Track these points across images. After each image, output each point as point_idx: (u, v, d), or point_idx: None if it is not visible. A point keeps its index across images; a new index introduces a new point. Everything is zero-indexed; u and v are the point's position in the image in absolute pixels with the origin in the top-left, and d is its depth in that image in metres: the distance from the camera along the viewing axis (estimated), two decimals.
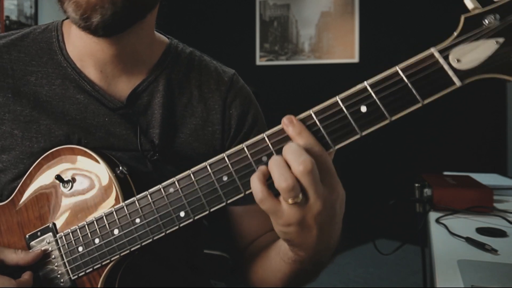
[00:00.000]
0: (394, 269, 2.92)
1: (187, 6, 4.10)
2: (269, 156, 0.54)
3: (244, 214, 0.82)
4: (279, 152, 0.53)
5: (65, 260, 0.67)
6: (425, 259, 1.61)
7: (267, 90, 3.43)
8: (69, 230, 0.66)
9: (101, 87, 0.75)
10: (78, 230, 0.66)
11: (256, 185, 0.52)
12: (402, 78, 0.51)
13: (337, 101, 0.53)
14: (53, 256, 0.68)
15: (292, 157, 0.50)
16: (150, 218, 0.61)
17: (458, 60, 0.49)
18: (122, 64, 0.75)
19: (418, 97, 0.50)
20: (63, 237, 0.67)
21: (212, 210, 0.58)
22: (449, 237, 1.06)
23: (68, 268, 0.67)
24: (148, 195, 0.61)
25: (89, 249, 0.65)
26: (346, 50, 3.71)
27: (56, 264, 0.68)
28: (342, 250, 3.14)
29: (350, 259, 3.07)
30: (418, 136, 3.42)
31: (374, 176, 3.54)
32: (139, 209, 0.61)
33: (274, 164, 0.51)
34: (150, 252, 0.68)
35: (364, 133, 0.52)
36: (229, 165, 0.56)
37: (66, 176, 0.68)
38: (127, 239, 0.62)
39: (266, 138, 0.55)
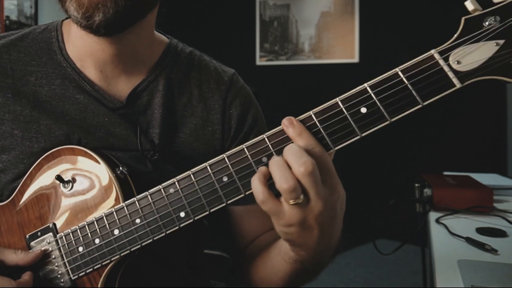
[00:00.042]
0: (394, 269, 2.92)
1: (187, 6, 4.10)
2: (269, 157, 0.54)
3: (244, 214, 0.82)
4: (279, 153, 0.53)
5: (65, 260, 0.67)
6: (425, 259, 1.61)
7: (267, 90, 3.43)
8: (69, 230, 0.66)
9: (101, 87, 0.75)
10: (78, 230, 0.66)
11: (257, 186, 0.52)
12: (402, 79, 0.51)
13: (337, 103, 0.53)
14: (53, 256, 0.68)
15: (293, 158, 0.50)
16: (150, 219, 0.61)
17: (458, 62, 0.49)
18: (122, 64, 0.76)
19: (418, 98, 0.50)
20: (63, 237, 0.67)
21: (212, 210, 0.58)
22: (449, 237, 1.06)
23: (68, 268, 0.67)
24: (148, 196, 0.61)
25: (89, 249, 0.65)
26: (346, 50, 3.71)
27: (56, 264, 0.68)
28: (342, 250, 3.14)
29: (350, 259, 3.07)
30: (418, 136, 3.42)
31: (374, 176, 3.54)
32: (139, 210, 0.62)
33: (275, 165, 0.51)
34: (150, 252, 0.68)
35: (364, 134, 0.52)
36: (229, 165, 0.56)
37: (67, 176, 0.68)
38: (127, 239, 0.63)
39: (266, 139, 0.55)
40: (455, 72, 0.49)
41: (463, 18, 0.50)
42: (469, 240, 1.01)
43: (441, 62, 0.50)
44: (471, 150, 3.28)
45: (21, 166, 0.72)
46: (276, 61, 3.99)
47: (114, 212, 0.63)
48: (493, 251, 0.94)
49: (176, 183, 0.59)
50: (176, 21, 4.09)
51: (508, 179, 1.81)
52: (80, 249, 0.66)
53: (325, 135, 0.53)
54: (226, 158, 0.56)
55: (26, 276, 0.66)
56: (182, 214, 0.59)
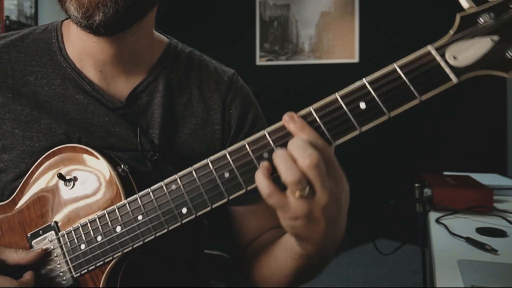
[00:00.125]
0: (394, 269, 2.92)
1: (187, 5, 4.10)
2: (270, 152, 0.54)
3: (246, 214, 0.82)
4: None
5: (67, 258, 0.67)
6: (425, 259, 1.61)
7: (267, 90, 3.43)
8: (71, 228, 0.67)
9: (101, 87, 0.76)
10: (80, 228, 0.66)
11: (262, 180, 0.52)
12: (400, 75, 0.51)
13: (337, 98, 0.53)
14: (55, 255, 0.68)
15: (298, 151, 0.51)
16: (153, 215, 0.61)
17: (455, 58, 0.50)
18: (122, 64, 0.76)
19: (415, 93, 0.51)
20: (65, 235, 0.67)
21: (214, 206, 0.58)
22: (449, 237, 1.06)
23: (70, 266, 0.67)
24: (150, 192, 0.61)
25: (91, 246, 0.65)
26: (346, 50, 3.71)
27: (58, 262, 0.68)
28: (342, 250, 3.14)
29: (350, 259, 3.07)
30: (418, 136, 3.43)
31: (374, 176, 3.54)
32: (141, 206, 0.62)
33: (280, 159, 0.51)
34: (151, 251, 0.68)
35: (363, 129, 0.53)
36: (231, 161, 0.56)
37: (68, 175, 0.68)
38: (129, 236, 0.63)
39: (267, 135, 0.55)
40: (452, 67, 0.50)
41: (458, 15, 0.51)
42: (469, 240, 1.01)
43: (438, 57, 0.50)
44: (471, 150, 3.28)
45: (22, 165, 0.73)
46: (276, 61, 3.99)
47: (116, 209, 0.63)
48: (493, 251, 0.94)
49: (178, 179, 0.59)
50: (176, 21, 4.09)
51: (508, 179, 1.81)
52: (82, 246, 0.66)
53: (325, 131, 0.53)
54: (227, 154, 0.56)
55: (28, 276, 0.66)
56: (184, 210, 0.59)
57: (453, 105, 3.10)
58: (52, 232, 0.68)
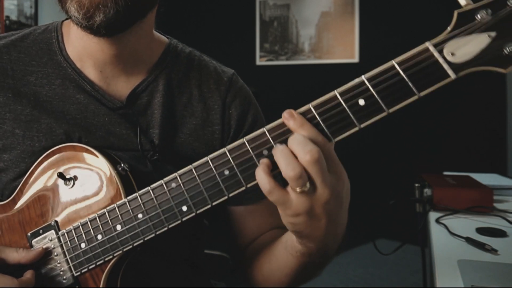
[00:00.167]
0: (394, 269, 2.92)
1: (187, 5, 4.10)
2: (270, 150, 0.54)
3: (246, 214, 0.82)
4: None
5: (68, 257, 0.67)
6: (425, 259, 1.61)
7: (267, 90, 3.43)
8: (72, 227, 0.67)
9: (101, 87, 0.76)
10: (80, 226, 0.66)
11: (262, 177, 0.52)
12: (398, 71, 0.52)
13: (336, 95, 0.53)
14: (55, 254, 0.68)
15: (298, 147, 0.51)
16: (153, 213, 0.61)
17: (453, 54, 0.50)
18: (122, 64, 0.76)
19: (414, 89, 0.51)
20: (66, 234, 0.67)
21: (214, 203, 0.58)
22: (449, 237, 1.06)
23: (70, 265, 0.67)
24: (150, 191, 0.61)
25: (91, 245, 0.65)
26: (346, 50, 3.71)
27: (58, 261, 0.68)
28: (342, 250, 3.13)
29: (350, 259, 3.07)
30: (418, 136, 3.43)
31: (374, 176, 3.54)
32: (142, 205, 0.62)
33: (280, 154, 0.51)
34: (152, 249, 0.68)
35: (362, 126, 0.53)
36: (230, 159, 0.56)
37: (68, 174, 0.68)
38: (129, 234, 0.63)
39: (266, 132, 0.55)
40: (450, 63, 0.50)
41: (455, 12, 0.51)
42: (469, 240, 1.01)
43: (436, 54, 0.51)
44: (471, 150, 3.28)
45: (22, 165, 0.73)
46: (276, 61, 3.99)
47: (116, 208, 0.63)
48: (493, 251, 0.94)
49: (178, 177, 0.59)
50: (176, 21, 4.09)
51: (508, 179, 1.81)
52: (83, 245, 0.66)
53: (324, 127, 0.54)
54: (227, 152, 0.57)
55: (28, 275, 0.66)
56: (184, 208, 0.59)
57: (453, 105, 3.10)
58: (52, 231, 0.68)
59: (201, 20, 4.17)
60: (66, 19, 0.79)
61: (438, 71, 0.51)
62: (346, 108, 0.53)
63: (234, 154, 0.56)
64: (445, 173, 1.77)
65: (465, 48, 0.50)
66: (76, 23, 0.67)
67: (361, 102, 0.52)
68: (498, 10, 0.50)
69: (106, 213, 0.64)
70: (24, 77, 0.76)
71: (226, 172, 0.57)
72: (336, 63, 3.75)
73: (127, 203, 0.63)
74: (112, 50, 0.73)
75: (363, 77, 0.53)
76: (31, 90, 0.75)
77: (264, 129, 0.55)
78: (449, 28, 0.51)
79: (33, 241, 0.69)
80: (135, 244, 0.63)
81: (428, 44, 0.51)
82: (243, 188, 0.57)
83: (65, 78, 0.76)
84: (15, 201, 0.72)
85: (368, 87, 0.52)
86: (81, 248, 0.66)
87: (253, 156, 0.55)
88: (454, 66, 0.50)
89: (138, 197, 0.62)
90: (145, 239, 0.62)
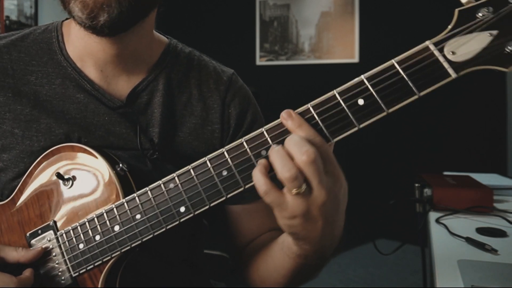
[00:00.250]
0: (394, 269, 2.92)
1: (187, 5, 4.10)
2: (268, 150, 0.54)
3: (243, 213, 0.82)
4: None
5: (66, 258, 0.67)
6: (425, 259, 1.61)
7: (267, 90, 3.43)
8: (70, 228, 0.67)
9: (101, 86, 0.76)
10: (78, 227, 0.66)
11: (258, 178, 0.52)
12: (398, 70, 0.51)
13: (335, 95, 0.53)
14: (54, 254, 0.68)
15: (294, 148, 0.50)
16: (151, 214, 0.61)
17: (453, 53, 0.50)
18: (123, 63, 0.76)
19: (414, 89, 0.51)
20: (64, 234, 0.67)
21: (212, 204, 0.58)
22: (449, 237, 1.06)
23: (69, 265, 0.67)
24: (148, 191, 0.61)
25: (90, 245, 0.65)
26: (346, 50, 3.71)
27: (57, 261, 0.68)
28: (342, 250, 3.14)
29: (350, 259, 3.07)
30: (418, 136, 3.43)
31: (374, 176, 3.54)
32: (140, 205, 0.62)
33: (276, 155, 0.51)
34: (150, 250, 0.68)
35: (361, 126, 0.53)
36: (229, 159, 0.56)
37: (67, 174, 0.68)
38: (127, 235, 0.63)
39: (265, 133, 0.55)
40: (450, 62, 0.50)
41: (456, 10, 0.51)
42: (469, 240, 1.01)
43: (436, 53, 0.50)
44: (471, 150, 3.28)
45: (21, 165, 0.73)
46: (276, 61, 3.99)
47: (115, 208, 0.63)
48: (493, 251, 0.94)
49: (176, 178, 0.59)
50: (176, 21, 4.09)
51: (508, 179, 1.81)
52: (81, 246, 0.66)
53: (323, 127, 0.53)
54: (225, 152, 0.56)
55: (27, 273, 0.66)
56: (182, 209, 0.59)
57: (453, 105, 3.10)
58: (51, 231, 0.68)
59: (201, 20, 4.17)
60: (66, 19, 0.79)
61: (438, 70, 0.50)
62: (345, 108, 0.53)
63: (232, 154, 0.56)
64: (445, 173, 1.76)
65: (466, 46, 0.50)
66: (79, 23, 0.67)
67: (360, 101, 0.52)
68: (500, 8, 0.49)
69: (104, 214, 0.64)
70: (24, 77, 0.76)
71: (224, 173, 0.56)
72: (336, 63, 3.75)
73: (125, 203, 0.63)
74: (113, 49, 0.73)
75: (362, 77, 0.52)
76: (31, 89, 0.75)
77: (263, 129, 0.55)
78: (449, 27, 0.51)
79: (32, 241, 0.69)
80: (133, 245, 0.63)
81: (429, 43, 0.51)
82: (241, 188, 0.56)
83: (65, 77, 0.76)
84: (14, 201, 0.72)
85: (367, 87, 0.52)
86: (79, 249, 0.66)
87: (251, 156, 0.55)
88: (455, 65, 0.50)
89: (136, 197, 0.62)
90: (143, 240, 0.62)
